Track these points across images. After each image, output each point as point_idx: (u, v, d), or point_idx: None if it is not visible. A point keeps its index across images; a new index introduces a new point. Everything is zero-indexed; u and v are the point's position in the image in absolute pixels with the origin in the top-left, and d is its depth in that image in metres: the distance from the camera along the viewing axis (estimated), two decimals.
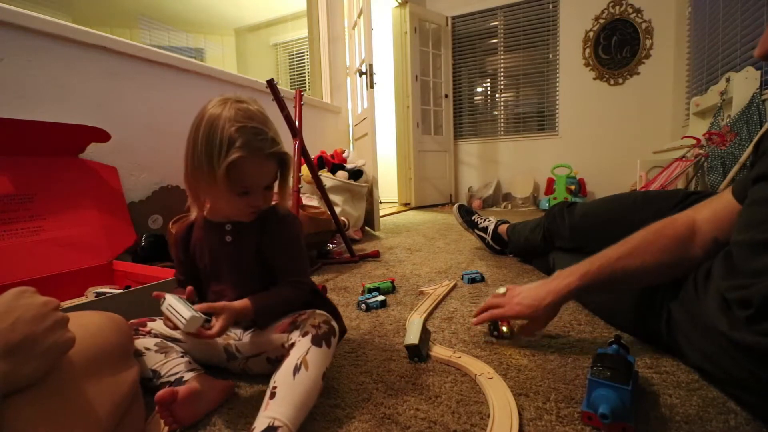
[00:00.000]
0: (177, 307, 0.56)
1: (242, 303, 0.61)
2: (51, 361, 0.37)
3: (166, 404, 0.53)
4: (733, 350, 0.54)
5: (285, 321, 0.65)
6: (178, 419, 0.54)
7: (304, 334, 0.59)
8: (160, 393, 0.52)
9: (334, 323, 0.63)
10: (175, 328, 0.56)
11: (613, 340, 0.64)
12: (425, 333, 0.78)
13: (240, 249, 0.68)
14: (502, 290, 0.81)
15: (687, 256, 0.67)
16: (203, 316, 0.56)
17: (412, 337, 0.75)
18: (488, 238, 1.63)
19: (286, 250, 0.68)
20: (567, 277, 0.73)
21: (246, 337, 0.67)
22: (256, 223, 0.67)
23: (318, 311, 0.66)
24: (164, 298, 0.58)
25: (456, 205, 1.81)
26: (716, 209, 0.67)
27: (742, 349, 0.52)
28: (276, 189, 0.67)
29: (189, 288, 0.63)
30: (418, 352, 0.74)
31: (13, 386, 0.34)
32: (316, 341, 0.58)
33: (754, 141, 1.71)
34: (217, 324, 0.57)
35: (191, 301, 0.61)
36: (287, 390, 0.52)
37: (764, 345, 0.48)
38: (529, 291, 0.76)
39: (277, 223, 0.68)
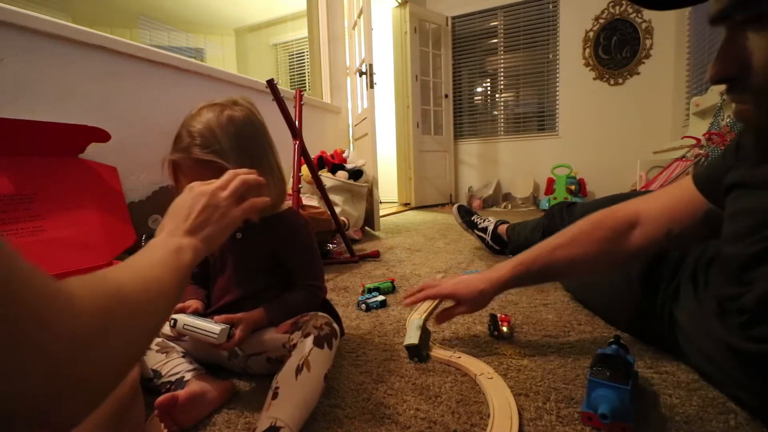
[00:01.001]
0: (197, 323, 0.58)
1: (258, 313, 0.64)
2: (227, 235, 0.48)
3: (166, 409, 0.52)
4: (730, 355, 0.54)
5: (287, 321, 0.65)
6: (179, 423, 0.54)
7: (306, 335, 0.59)
8: (160, 399, 0.52)
9: (335, 325, 0.63)
10: (175, 338, 0.59)
11: (612, 340, 0.64)
12: (425, 333, 0.78)
13: (248, 247, 0.69)
14: (440, 276, 0.81)
15: (620, 250, 0.67)
16: (228, 325, 0.59)
17: (412, 337, 0.75)
18: (488, 238, 1.63)
19: (301, 255, 0.71)
20: (502, 268, 0.74)
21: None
22: (268, 226, 0.69)
23: (320, 313, 0.66)
24: (173, 320, 0.60)
25: (456, 205, 1.80)
26: (674, 201, 0.65)
27: (738, 354, 0.52)
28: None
29: (194, 305, 0.66)
30: (418, 352, 0.74)
31: (200, 260, 0.43)
32: (318, 342, 0.58)
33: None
34: (237, 333, 0.60)
35: (200, 314, 0.64)
36: (289, 390, 0.52)
37: (757, 350, 0.48)
38: (467, 277, 0.77)
39: (291, 230, 0.71)
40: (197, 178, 0.59)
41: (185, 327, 0.59)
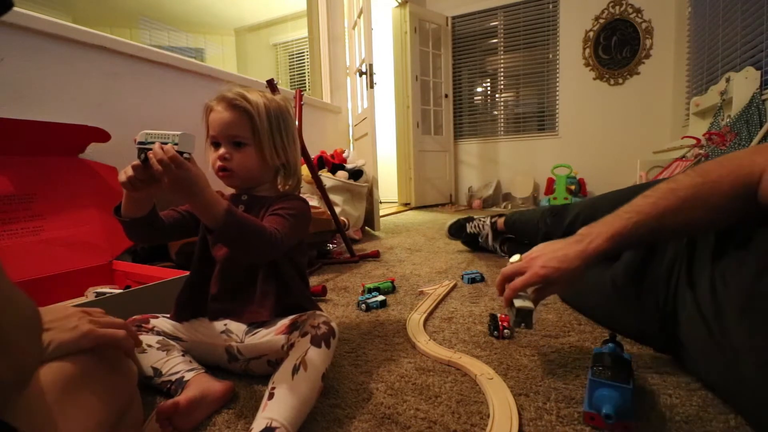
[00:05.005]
0: (158, 132, 0.54)
1: (219, 197, 0.56)
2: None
3: (167, 417, 0.52)
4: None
5: (285, 322, 0.65)
6: (179, 427, 0.54)
7: (303, 335, 0.59)
8: (161, 406, 0.52)
9: (333, 324, 0.63)
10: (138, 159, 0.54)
11: (608, 338, 0.65)
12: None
13: (248, 209, 0.71)
14: (515, 258, 0.70)
15: (751, 209, 0.52)
16: (193, 135, 0.55)
17: (526, 303, 0.65)
18: (491, 242, 1.62)
19: (278, 212, 0.66)
20: (595, 238, 0.62)
21: (247, 339, 0.67)
22: (272, 197, 0.71)
23: (318, 312, 0.66)
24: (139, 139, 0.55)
25: (446, 228, 1.76)
26: None
27: None
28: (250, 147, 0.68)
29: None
30: (529, 317, 0.65)
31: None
32: (316, 342, 0.58)
33: None
34: (182, 163, 0.51)
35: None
36: (286, 391, 0.52)
37: None
38: (553, 252, 0.65)
39: (287, 198, 0.71)
40: (226, 120, 0.67)
41: (148, 135, 0.54)
